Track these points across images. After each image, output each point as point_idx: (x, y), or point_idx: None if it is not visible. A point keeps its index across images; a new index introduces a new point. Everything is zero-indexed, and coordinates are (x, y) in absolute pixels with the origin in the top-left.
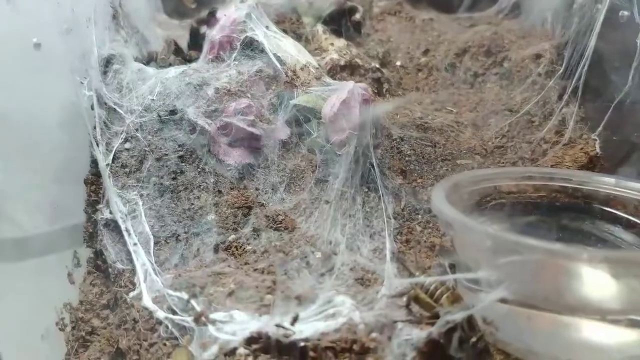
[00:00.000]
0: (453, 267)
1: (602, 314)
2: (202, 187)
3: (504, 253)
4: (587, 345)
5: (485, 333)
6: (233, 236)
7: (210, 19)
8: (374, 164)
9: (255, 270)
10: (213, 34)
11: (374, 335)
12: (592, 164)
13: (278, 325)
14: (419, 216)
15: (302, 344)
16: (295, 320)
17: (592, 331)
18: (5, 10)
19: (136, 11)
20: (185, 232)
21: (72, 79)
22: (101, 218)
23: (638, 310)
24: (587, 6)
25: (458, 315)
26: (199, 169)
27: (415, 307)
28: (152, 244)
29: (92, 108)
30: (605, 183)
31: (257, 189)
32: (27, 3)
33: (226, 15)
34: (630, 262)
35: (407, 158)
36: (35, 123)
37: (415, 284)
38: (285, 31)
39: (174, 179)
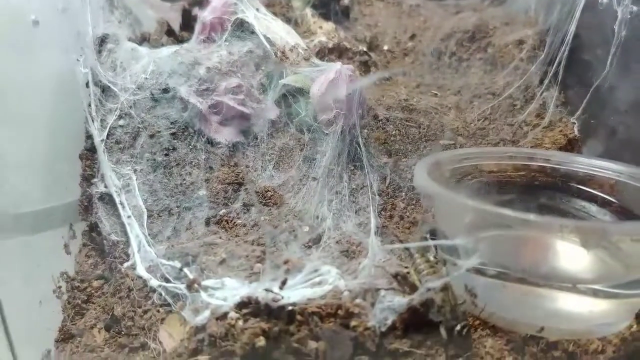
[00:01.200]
0: (434, 235)
1: (574, 282)
2: (193, 163)
3: (483, 226)
4: (560, 313)
5: (466, 300)
6: (224, 210)
7: (202, 1)
8: (360, 143)
9: (245, 242)
10: (205, 15)
11: (357, 301)
12: (570, 146)
13: (267, 290)
14: (403, 194)
15: (289, 308)
16: (283, 284)
17: (565, 301)
18: None
19: None
20: (177, 206)
21: (68, 57)
22: (96, 192)
23: (606, 280)
24: None
25: (438, 283)
26: (190, 146)
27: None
28: (145, 217)
29: (87, 85)
30: (583, 164)
31: (247, 166)
32: None
33: None
34: (598, 233)
35: (392, 138)
36: (31, 99)
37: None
38: (275, 14)
39: (166, 155)
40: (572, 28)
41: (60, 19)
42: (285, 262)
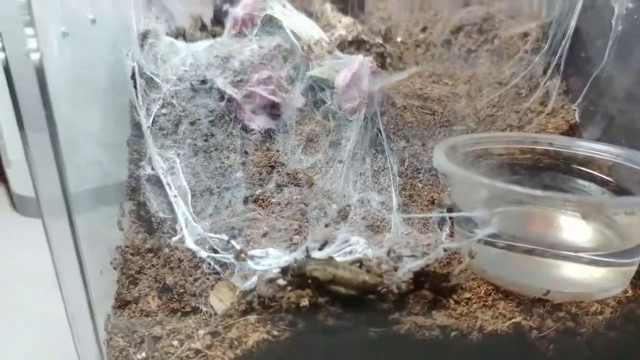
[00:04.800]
0: (450, 211)
1: (575, 251)
2: (230, 148)
3: (495, 202)
4: (564, 279)
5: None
6: (259, 190)
7: None
8: (381, 129)
9: (282, 217)
10: (236, 11)
11: (383, 266)
12: (572, 131)
13: (307, 256)
14: (420, 175)
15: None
16: (323, 246)
17: (568, 268)
18: None
19: None
20: (217, 187)
21: (118, 51)
22: (144, 174)
23: (604, 249)
24: None
25: (453, 245)
26: (227, 133)
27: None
28: (189, 196)
29: (133, 77)
30: (583, 147)
31: (277, 151)
32: None
33: None
34: (597, 207)
35: (409, 124)
36: (89, 89)
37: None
38: (297, 9)
39: (206, 140)
40: (573, 22)
41: (112, 17)
42: (326, 226)
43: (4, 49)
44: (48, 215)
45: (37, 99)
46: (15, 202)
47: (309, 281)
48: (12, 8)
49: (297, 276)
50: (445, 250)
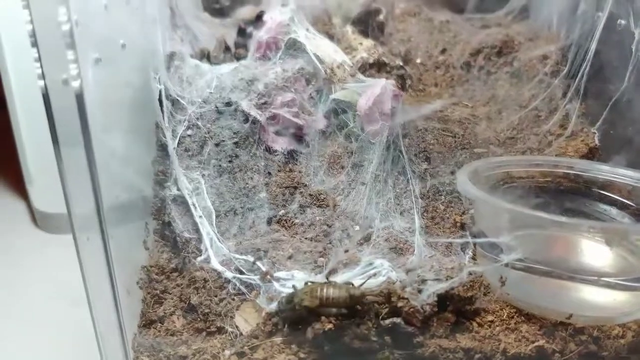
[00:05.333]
0: (475, 235)
1: (598, 276)
2: (254, 169)
3: (519, 226)
4: (586, 303)
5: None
6: (283, 211)
7: (258, 21)
8: (403, 151)
9: (306, 238)
10: (260, 35)
11: (408, 289)
12: (591, 154)
13: (328, 280)
14: (442, 197)
15: None
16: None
17: (591, 292)
18: (104, 18)
19: (185, 10)
20: (241, 207)
21: (145, 73)
22: (169, 194)
23: (626, 274)
24: (589, 13)
25: (479, 268)
26: (251, 154)
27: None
28: (214, 216)
29: (160, 99)
30: (603, 170)
31: (300, 172)
32: (117, 9)
33: (272, 18)
34: (621, 233)
35: (430, 146)
36: (118, 111)
37: None
38: (318, 32)
39: (230, 162)
40: (594, 46)
41: (140, 40)
42: (346, 251)
43: (43, 76)
44: (79, 230)
45: (76, 124)
46: (37, 219)
47: (300, 311)
48: (54, 35)
49: (286, 310)
50: (470, 273)
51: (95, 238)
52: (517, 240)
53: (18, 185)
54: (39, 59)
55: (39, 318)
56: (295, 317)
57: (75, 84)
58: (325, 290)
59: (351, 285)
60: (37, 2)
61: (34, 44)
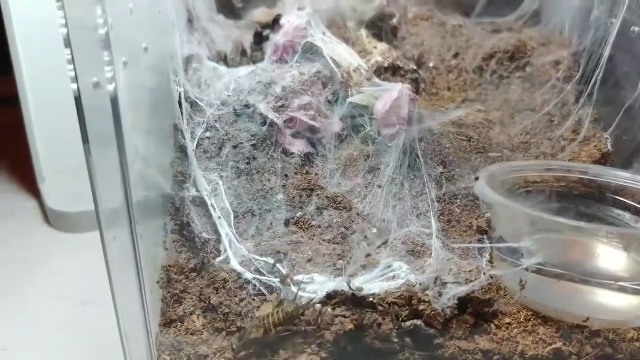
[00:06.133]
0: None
1: (614, 280)
2: (271, 171)
3: (538, 230)
4: (601, 306)
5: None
6: (300, 213)
7: (275, 24)
8: (419, 155)
9: (324, 240)
10: (277, 38)
11: (428, 292)
12: (604, 160)
13: (348, 284)
14: (458, 200)
15: (371, 298)
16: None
17: (605, 296)
18: (130, 21)
19: (201, 12)
20: (259, 209)
21: (164, 76)
22: (188, 195)
23: None
24: (602, 20)
25: (500, 272)
26: (268, 156)
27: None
28: (232, 217)
29: (179, 101)
30: (617, 176)
31: (316, 174)
32: (140, 12)
33: (289, 21)
34: (638, 238)
35: (446, 150)
36: (139, 113)
37: None
38: (333, 35)
39: (248, 163)
40: (607, 52)
41: (160, 43)
42: (367, 256)
43: (76, 78)
44: (106, 228)
45: (104, 125)
46: (49, 217)
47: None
48: (86, 38)
49: (240, 349)
50: (491, 277)
51: (122, 237)
52: (536, 244)
53: (30, 183)
54: (72, 61)
55: (49, 316)
56: (251, 354)
57: (110, 86)
58: (264, 315)
59: (285, 303)
60: (72, 3)
61: (67, 45)
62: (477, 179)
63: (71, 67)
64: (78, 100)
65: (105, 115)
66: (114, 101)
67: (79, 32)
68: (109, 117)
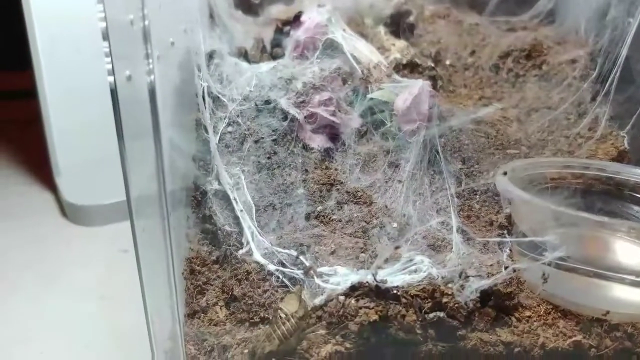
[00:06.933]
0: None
1: (634, 275)
2: (292, 166)
3: (560, 225)
4: (620, 300)
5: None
6: (320, 207)
7: (296, 21)
8: (439, 151)
9: (345, 234)
10: (298, 35)
11: (450, 285)
12: (621, 157)
13: (373, 276)
14: (477, 196)
15: (394, 291)
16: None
17: (624, 290)
18: (158, 18)
19: (222, 9)
20: (280, 203)
21: (188, 71)
22: (210, 189)
23: None
24: (620, 19)
25: (523, 266)
26: (289, 151)
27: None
28: (253, 211)
29: (203, 96)
30: (634, 173)
31: (336, 169)
32: (167, 9)
33: (310, 18)
34: None
35: (465, 146)
36: (165, 105)
37: None
38: (352, 32)
39: (269, 158)
40: (624, 51)
41: (184, 38)
42: (397, 248)
43: (113, 71)
44: (137, 217)
45: (138, 117)
46: (66, 210)
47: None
48: (122, 31)
49: None
50: (513, 270)
51: (151, 229)
52: (559, 237)
53: (47, 176)
54: (110, 54)
55: (68, 310)
56: None
57: (149, 79)
58: (276, 327)
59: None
60: None
61: (105, 38)
62: (505, 173)
63: (108, 59)
64: (114, 93)
65: (137, 108)
66: (152, 93)
67: (114, 25)
68: (141, 109)
